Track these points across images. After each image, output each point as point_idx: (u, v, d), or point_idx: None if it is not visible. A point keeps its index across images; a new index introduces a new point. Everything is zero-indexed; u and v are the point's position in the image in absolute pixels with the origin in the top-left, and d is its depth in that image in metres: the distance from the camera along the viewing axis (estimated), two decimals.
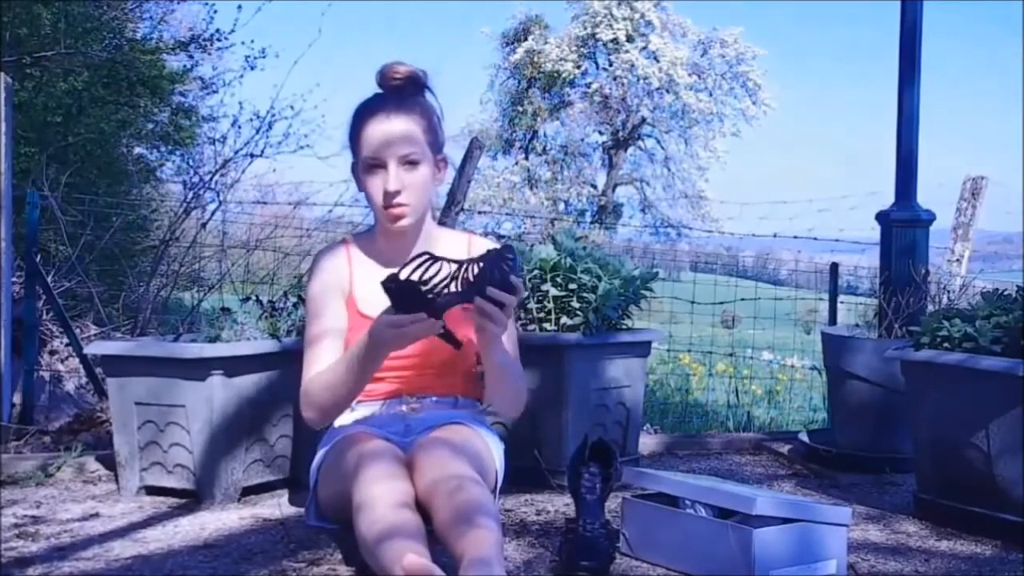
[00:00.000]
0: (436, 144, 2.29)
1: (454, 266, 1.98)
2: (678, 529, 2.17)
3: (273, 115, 6.17)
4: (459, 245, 2.35)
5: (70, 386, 4.37)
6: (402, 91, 2.28)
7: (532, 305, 2.93)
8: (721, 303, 6.09)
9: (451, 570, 1.74)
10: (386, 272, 2.12)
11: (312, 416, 2.22)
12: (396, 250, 2.30)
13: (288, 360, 2.75)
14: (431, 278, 1.96)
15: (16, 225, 4.02)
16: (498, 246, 2.07)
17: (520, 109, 24.29)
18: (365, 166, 2.23)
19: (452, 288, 1.98)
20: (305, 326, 2.33)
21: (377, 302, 2.07)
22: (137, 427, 2.72)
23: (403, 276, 1.94)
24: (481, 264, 1.99)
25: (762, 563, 2.01)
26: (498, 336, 2.08)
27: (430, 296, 1.96)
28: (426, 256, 1.97)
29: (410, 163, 2.21)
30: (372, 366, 2.11)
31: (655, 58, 23.50)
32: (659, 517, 2.22)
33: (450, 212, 4.13)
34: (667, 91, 23.62)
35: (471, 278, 1.98)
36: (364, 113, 2.25)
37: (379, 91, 2.31)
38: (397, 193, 2.20)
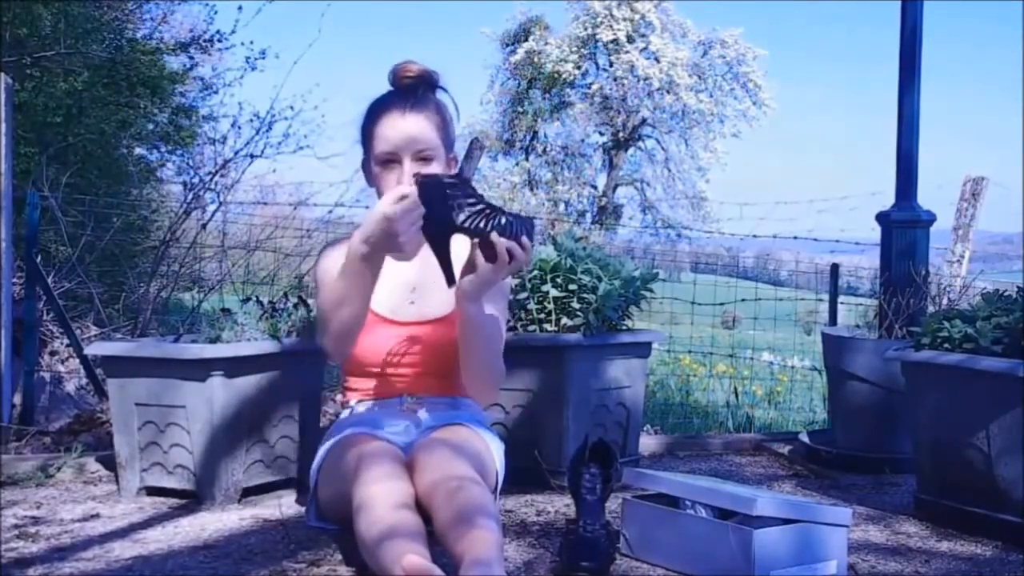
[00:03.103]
0: (448, 142, 2.29)
1: (483, 206, 1.96)
2: (678, 530, 2.17)
3: (273, 115, 6.17)
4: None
5: (70, 387, 4.37)
6: (416, 89, 2.28)
7: (532, 306, 2.92)
8: (721, 304, 6.09)
9: (451, 570, 1.74)
10: (393, 265, 2.11)
11: (327, 343, 2.15)
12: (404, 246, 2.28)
13: (288, 361, 2.76)
14: (459, 193, 1.94)
15: (16, 226, 4.02)
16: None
17: (520, 110, 24.29)
18: (379, 162, 2.23)
19: (474, 221, 1.96)
20: (317, 302, 2.27)
21: (383, 297, 2.06)
22: (137, 428, 2.72)
23: (437, 178, 1.94)
24: (510, 217, 1.98)
25: (762, 564, 2.01)
26: (487, 284, 2.04)
27: (450, 203, 1.93)
28: (463, 178, 1.97)
29: (424, 160, 2.21)
30: (365, 270, 2.03)
31: (655, 59, 23.50)
32: (659, 518, 2.22)
33: None
34: (667, 92, 23.62)
35: (496, 221, 1.96)
36: (379, 109, 2.25)
37: (391, 89, 2.31)
38: None
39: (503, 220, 1.97)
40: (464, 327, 2.13)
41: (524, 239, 2.00)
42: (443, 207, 1.94)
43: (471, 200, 1.96)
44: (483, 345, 2.16)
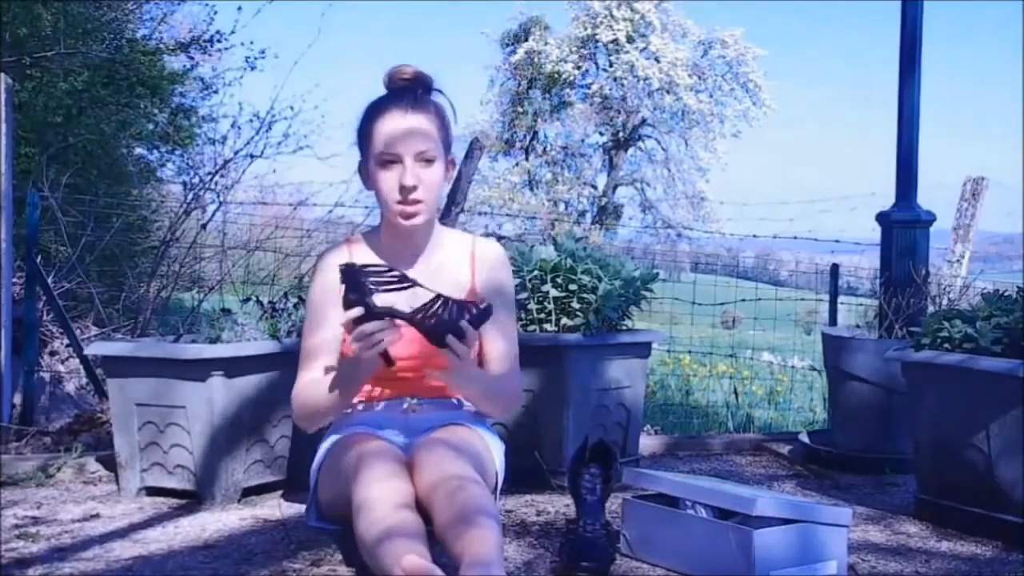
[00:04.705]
0: (447, 143, 2.28)
1: (427, 298, 2.00)
2: (678, 530, 2.17)
3: (273, 116, 6.16)
4: (463, 246, 2.34)
5: (70, 387, 4.37)
6: (413, 90, 2.27)
7: (532, 306, 2.93)
8: (722, 304, 6.10)
9: (451, 571, 1.74)
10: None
11: (300, 423, 2.27)
12: (402, 248, 2.27)
13: (288, 361, 2.75)
14: (383, 282, 2.00)
15: (17, 226, 4.02)
16: (496, 250, 2.08)
17: (520, 110, 24.28)
18: (379, 161, 2.20)
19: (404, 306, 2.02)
20: (303, 329, 2.32)
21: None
22: (138, 428, 2.72)
23: (358, 265, 2.01)
24: (448, 310, 2.00)
25: (762, 564, 2.01)
26: (457, 370, 2.09)
27: (370, 287, 1.98)
28: (401, 277, 2.02)
29: (426, 160, 2.20)
30: (351, 385, 2.15)
31: (655, 59, 23.49)
32: (659, 518, 2.22)
33: (450, 212, 4.14)
34: (667, 92, 23.62)
35: (435, 314, 2.00)
36: (378, 109, 2.23)
37: (387, 92, 2.29)
38: (414, 188, 2.16)
39: (447, 311, 1.99)
40: (469, 398, 2.27)
41: (464, 324, 2.00)
42: (363, 291, 1.98)
43: (383, 285, 2.00)
44: (489, 400, 2.25)
